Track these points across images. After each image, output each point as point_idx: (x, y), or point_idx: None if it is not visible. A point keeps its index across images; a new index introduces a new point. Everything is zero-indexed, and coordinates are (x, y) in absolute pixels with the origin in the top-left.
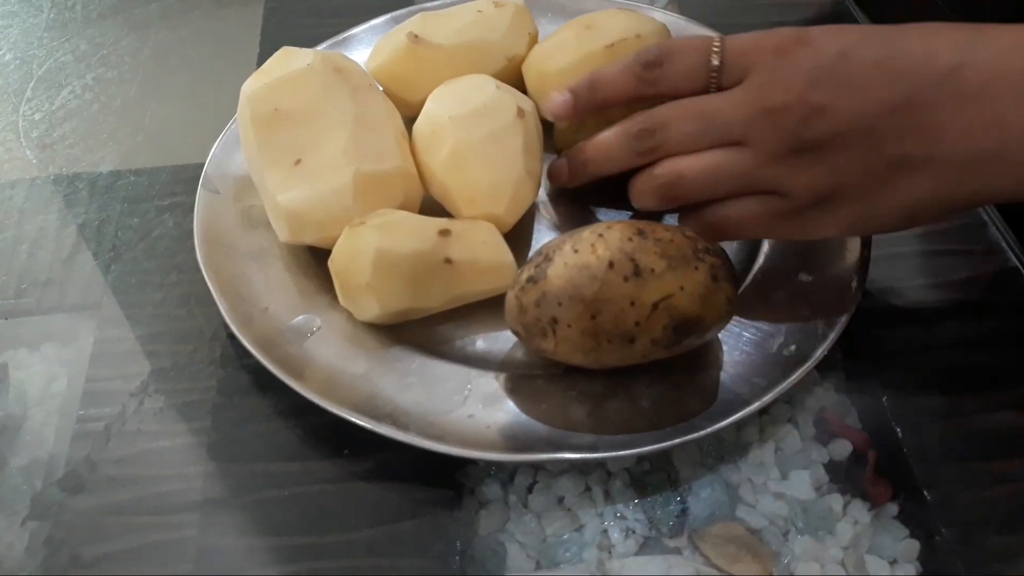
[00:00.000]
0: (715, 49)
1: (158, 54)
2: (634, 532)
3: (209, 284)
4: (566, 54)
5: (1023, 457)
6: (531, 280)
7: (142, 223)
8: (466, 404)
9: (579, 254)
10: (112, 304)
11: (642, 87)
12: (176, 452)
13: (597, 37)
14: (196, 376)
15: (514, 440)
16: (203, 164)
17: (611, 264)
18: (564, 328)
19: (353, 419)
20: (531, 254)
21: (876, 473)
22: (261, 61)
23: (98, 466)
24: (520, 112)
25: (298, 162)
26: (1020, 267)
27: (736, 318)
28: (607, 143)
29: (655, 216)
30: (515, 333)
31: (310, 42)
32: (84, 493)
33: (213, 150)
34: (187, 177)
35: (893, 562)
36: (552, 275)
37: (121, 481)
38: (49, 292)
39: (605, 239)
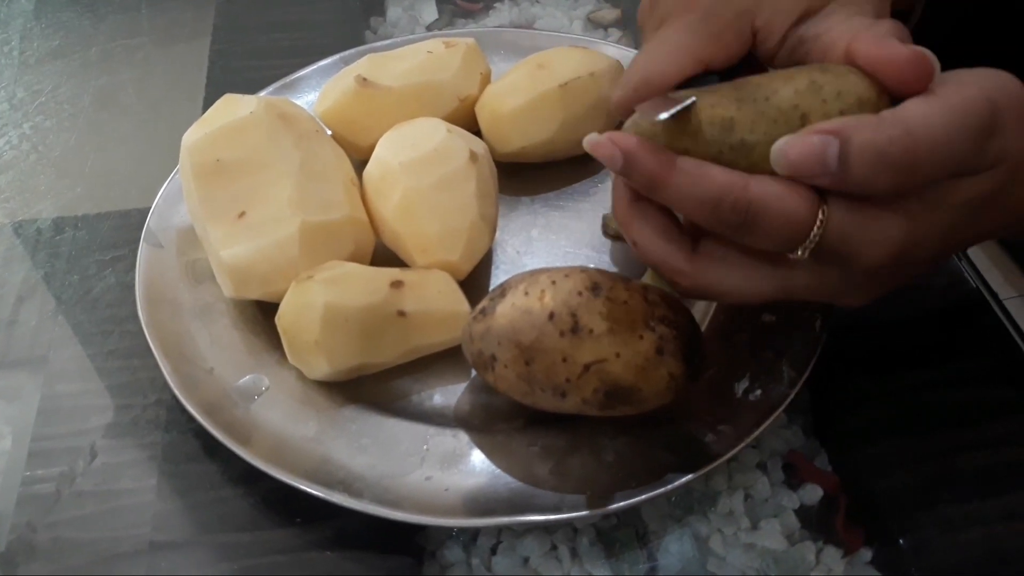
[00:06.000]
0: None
1: (99, 100)
2: None
3: (152, 346)
4: (520, 94)
5: (996, 498)
6: (483, 312)
7: (83, 280)
8: (423, 465)
9: (528, 297)
10: (55, 363)
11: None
12: (119, 520)
13: (550, 76)
14: (141, 442)
15: (474, 503)
16: (147, 212)
17: (551, 315)
18: (501, 367)
19: (303, 487)
20: None
21: (847, 518)
22: (207, 105)
23: (38, 531)
24: (472, 156)
25: (242, 214)
26: (988, 302)
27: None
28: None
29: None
30: (468, 358)
31: (257, 84)
32: (27, 563)
33: (156, 201)
34: (130, 224)
35: None
36: (499, 313)
37: (58, 553)
38: None
39: (556, 287)
